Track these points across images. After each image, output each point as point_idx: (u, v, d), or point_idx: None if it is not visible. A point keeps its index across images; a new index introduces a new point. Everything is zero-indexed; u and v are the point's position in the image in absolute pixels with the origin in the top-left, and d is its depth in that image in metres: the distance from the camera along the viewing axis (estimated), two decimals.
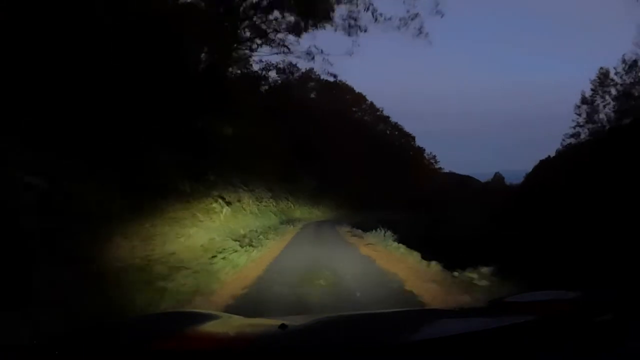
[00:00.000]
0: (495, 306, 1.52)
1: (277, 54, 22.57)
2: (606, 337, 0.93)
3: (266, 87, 27.30)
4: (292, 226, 18.80)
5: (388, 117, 62.97)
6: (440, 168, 72.80)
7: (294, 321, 1.22)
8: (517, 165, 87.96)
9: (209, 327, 1.24)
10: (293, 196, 28.23)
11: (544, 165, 59.38)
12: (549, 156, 61.98)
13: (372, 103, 59.17)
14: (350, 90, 51.84)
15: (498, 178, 73.94)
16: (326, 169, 35.71)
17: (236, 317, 1.51)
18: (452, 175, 74.12)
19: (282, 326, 1.08)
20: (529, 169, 70.28)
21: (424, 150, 70.47)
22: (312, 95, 44.51)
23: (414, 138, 68.40)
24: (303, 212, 29.43)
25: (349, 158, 40.26)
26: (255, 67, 25.24)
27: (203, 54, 14.65)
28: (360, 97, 55.91)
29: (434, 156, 72.03)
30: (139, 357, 0.90)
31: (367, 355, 0.87)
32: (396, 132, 64.53)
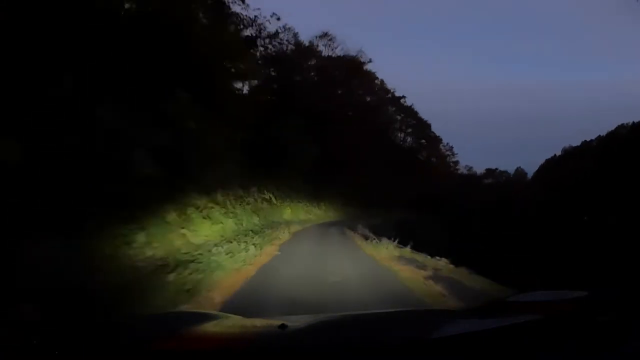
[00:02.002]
0: (495, 306, 1.53)
1: None
2: (609, 336, 0.92)
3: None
4: (257, 247, 8.10)
5: (401, 97, 50.73)
6: (457, 161, 64.02)
7: (294, 321, 1.22)
8: (512, 165, 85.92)
9: (209, 327, 1.24)
10: (278, 187, 19.03)
11: (550, 165, 58.57)
12: (555, 155, 61.27)
13: (382, 82, 47.69)
14: (357, 67, 41.01)
15: (520, 173, 69.85)
16: (329, 160, 28.27)
17: (236, 317, 1.51)
18: (470, 170, 67.12)
19: (282, 326, 1.08)
20: (526, 167, 68.07)
21: (441, 139, 59.90)
22: (312, 73, 36.65)
23: (429, 125, 56.98)
24: (296, 211, 20.81)
25: (354, 147, 33.69)
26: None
27: None
28: (370, 75, 44.35)
29: (451, 147, 61.67)
30: (139, 357, 0.90)
31: (367, 355, 0.87)
32: (409, 119, 53.83)
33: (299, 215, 20.80)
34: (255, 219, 13.39)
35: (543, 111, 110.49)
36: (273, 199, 17.57)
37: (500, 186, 64.07)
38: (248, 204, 13.64)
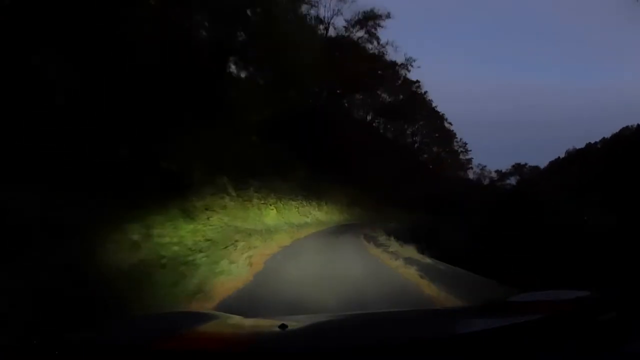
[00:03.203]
0: (495, 306, 1.53)
1: None
2: (609, 336, 0.92)
3: None
4: None
5: (415, 82, 41.30)
6: (470, 159, 58.06)
7: (294, 321, 1.22)
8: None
9: (209, 327, 1.24)
10: (255, 177, 13.09)
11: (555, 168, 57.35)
12: (559, 157, 60.34)
13: (393, 63, 37.15)
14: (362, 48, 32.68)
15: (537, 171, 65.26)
16: (331, 153, 23.60)
17: (236, 317, 1.51)
18: (482, 170, 61.51)
19: (282, 326, 1.08)
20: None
21: (455, 134, 53.03)
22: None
23: (442, 117, 47.82)
24: (287, 212, 15.18)
25: (360, 138, 29.03)
26: None
27: None
28: (379, 58, 34.59)
29: (465, 144, 54.96)
30: (139, 357, 0.90)
31: (367, 355, 0.87)
32: (422, 110, 45.74)
33: (290, 217, 15.00)
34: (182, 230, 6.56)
35: (546, 113, 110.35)
36: (232, 191, 10.83)
37: (520, 185, 58.69)
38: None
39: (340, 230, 14.59)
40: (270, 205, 13.86)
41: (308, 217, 17.40)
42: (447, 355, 0.86)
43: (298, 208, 16.99)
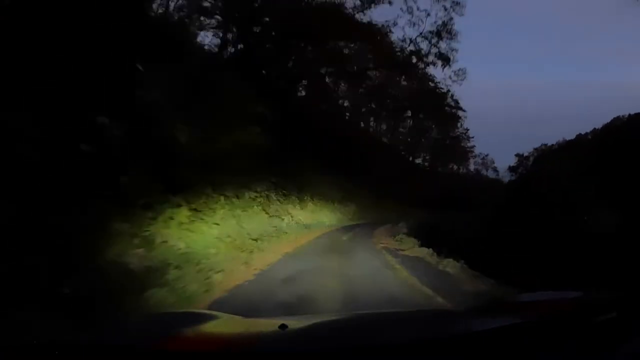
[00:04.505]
0: (495, 306, 1.53)
1: None
2: (609, 336, 0.93)
3: None
4: None
5: (415, 52, 28.86)
6: (473, 146, 51.67)
7: (294, 321, 1.22)
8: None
9: (209, 327, 1.24)
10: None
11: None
12: (550, 148, 58.27)
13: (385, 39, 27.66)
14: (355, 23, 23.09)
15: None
16: (319, 135, 19.50)
17: (236, 317, 1.51)
18: (484, 159, 54.67)
19: (282, 326, 1.08)
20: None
21: (459, 117, 42.48)
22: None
23: (444, 95, 34.27)
24: (243, 217, 8.59)
25: (349, 119, 26.41)
26: None
27: None
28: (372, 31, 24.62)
29: (467, 129, 47.90)
30: (139, 357, 0.90)
31: (367, 355, 0.87)
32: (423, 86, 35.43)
33: (246, 223, 8.66)
34: None
35: (546, 112, 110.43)
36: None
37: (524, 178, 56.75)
38: None
39: (341, 245, 9.68)
40: (171, 209, 6.01)
41: (283, 219, 11.37)
42: (447, 355, 0.86)
43: (265, 206, 10.66)
